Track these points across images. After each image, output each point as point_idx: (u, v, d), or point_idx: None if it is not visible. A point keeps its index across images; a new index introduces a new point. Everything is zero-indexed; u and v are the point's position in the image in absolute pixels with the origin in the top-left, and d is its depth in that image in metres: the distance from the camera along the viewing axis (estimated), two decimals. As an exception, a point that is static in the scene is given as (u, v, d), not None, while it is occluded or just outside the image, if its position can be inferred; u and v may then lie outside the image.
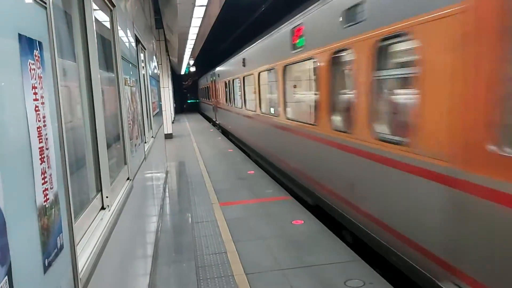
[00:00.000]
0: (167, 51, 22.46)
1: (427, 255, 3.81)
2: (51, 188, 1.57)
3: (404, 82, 4.40)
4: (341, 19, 5.33)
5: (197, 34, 16.71)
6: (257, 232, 6.23)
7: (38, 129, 1.48)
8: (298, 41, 7.23)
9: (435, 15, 3.49)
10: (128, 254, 3.50)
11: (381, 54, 4.51)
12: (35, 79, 1.49)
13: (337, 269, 4.88)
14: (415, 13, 3.77)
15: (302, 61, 7.23)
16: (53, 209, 1.57)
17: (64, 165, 1.75)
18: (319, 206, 6.84)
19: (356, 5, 4.92)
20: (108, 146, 3.01)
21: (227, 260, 5.28)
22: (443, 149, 3.49)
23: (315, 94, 6.65)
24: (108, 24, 3.58)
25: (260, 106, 11.07)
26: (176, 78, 46.19)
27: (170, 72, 25.89)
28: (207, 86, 29.17)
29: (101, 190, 2.74)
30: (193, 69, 41.40)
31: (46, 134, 1.55)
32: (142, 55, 6.57)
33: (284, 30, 8.11)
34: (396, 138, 4.31)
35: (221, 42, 34.31)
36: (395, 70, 4.63)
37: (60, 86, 1.79)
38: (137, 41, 5.69)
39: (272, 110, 10.07)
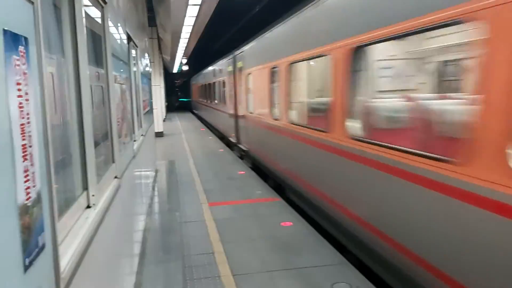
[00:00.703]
0: (159, 49, 22.37)
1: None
2: (34, 186, 1.54)
3: None
4: None
5: (191, 33, 16.66)
6: (245, 233, 6.22)
7: (22, 126, 1.45)
8: None
9: None
10: (114, 253, 3.47)
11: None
12: (19, 75, 1.46)
13: (325, 272, 4.88)
14: None
15: None
16: (35, 208, 1.55)
17: (48, 163, 1.72)
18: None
19: None
20: (96, 143, 2.98)
21: (215, 261, 5.26)
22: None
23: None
24: (99, 20, 3.54)
25: None
26: (169, 77, 46.06)
27: (162, 71, 25.78)
28: (213, 83, 20.18)
29: (87, 188, 2.71)
30: (185, 67, 41.24)
31: (29, 132, 1.52)
32: (133, 52, 6.53)
33: None
34: None
35: (215, 42, 34.27)
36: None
37: (46, 83, 1.76)
38: (129, 38, 5.65)
39: None
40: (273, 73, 8.66)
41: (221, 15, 19.47)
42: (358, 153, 4.82)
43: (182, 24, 14.01)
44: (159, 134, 18.32)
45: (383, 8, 4.32)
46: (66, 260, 1.92)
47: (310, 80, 8.03)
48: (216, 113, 19.16)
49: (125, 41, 5.16)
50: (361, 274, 4.80)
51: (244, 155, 12.69)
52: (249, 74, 11.17)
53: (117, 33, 4.44)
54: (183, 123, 28.61)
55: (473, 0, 3.04)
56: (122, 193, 4.00)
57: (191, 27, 15.01)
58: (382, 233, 4.39)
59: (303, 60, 6.94)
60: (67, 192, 2.46)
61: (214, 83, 19.71)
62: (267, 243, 5.81)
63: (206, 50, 34.96)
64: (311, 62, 7.62)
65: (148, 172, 8.24)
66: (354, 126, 5.11)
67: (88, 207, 2.70)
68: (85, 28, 2.74)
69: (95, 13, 3.43)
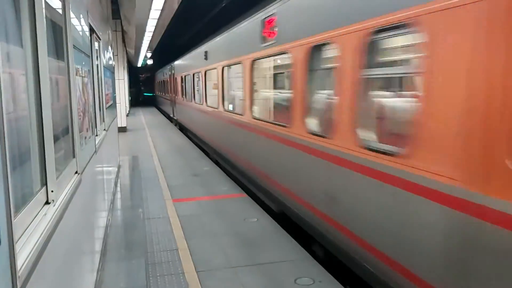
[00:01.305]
0: (124, 42, 21.91)
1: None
2: (-12, 181, 1.47)
3: None
4: None
5: (156, 26, 16.39)
6: (210, 230, 6.19)
7: (-25, 118, 1.39)
8: None
9: None
10: (74, 250, 3.37)
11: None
12: (-27, 64, 1.39)
13: (288, 267, 4.92)
14: None
15: None
16: (-10, 204, 1.48)
17: (4, 157, 1.65)
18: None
19: None
20: (56, 138, 2.89)
21: (178, 258, 5.21)
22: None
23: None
24: (60, 11, 3.43)
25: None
26: (133, 71, 45.21)
27: (126, 64, 25.28)
28: (165, 80, 27.74)
29: (46, 184, 2.62)
30: (150, 62, 40.57)
31: (-16, 124, 1.45)
32: (96, 45, 6.36)
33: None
34: None
35: (180, 37, 33.87)
36: None
37: (3, 73, 1.69)
38: (91, 30, 5.50)
39: None
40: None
41: (187, 9, 19.26)
42: None
43: (147, 17, 13.76)
44: (122, 129, 17.97)
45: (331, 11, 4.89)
46: (23, 258, 1.85)
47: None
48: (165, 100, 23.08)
49: (88, 33, 5.01)
50: (323, 268, 4.88)
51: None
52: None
53: (79, 24, 4.31)
54: (147, 118, 28.17)
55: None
56: (83, 189, 3.89)
57: (156, 20, 14.78)
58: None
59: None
60: (24, 188, 2.37)
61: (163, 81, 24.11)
62: (231, 239, 5.80)
63: (171, 44, 34.52)
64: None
65: (110, 168, 8.06)
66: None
67: (47, 203, 2.61)
68: (45, 18, 2.64)
69: (56, 2, 3.31)
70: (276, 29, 6.41)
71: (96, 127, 5.80)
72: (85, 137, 4.17)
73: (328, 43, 4.84)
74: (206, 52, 12.26)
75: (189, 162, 11.64)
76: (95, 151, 5.11)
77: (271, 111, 8.00)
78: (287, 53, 5.96)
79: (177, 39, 33.99)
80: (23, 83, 2.47)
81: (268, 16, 6.73)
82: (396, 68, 4.44)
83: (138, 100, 48.06)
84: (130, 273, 4.93)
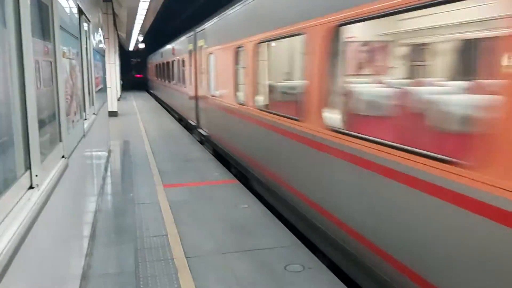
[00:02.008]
0: (115, 25, 21.61)
1: None
2: (-36, 165, 1.41)
3: None
4: None
5: (148, 9, 16.16)
6: (200, 215, 6.16)
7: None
8: None
9: None
10: (60, 235, 3.32)
11: None
12: None
13: (278, 253, 4.91)
14: None
15: None
16: (-34, 188, 1.43)
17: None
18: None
19: None
20: (42, 122, 2.82)
21: (168, 243, 5.18)
22: None
23: None
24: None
25: None
26: (125, 55, 44.70)
27: (117, 48, 24.98)
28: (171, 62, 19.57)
29: (30, 168, 2.56)
30: (142, 46, 40.13)
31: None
32: (86, 27, 6.23)
33: None
34: None
35: (173, 20, 33.49)
36: None
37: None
38: (80, 11, 5.38)
39: None
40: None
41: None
42: None
43: (139, 0, 13.54)
44: (113, 114, 17.81)
45: None
46: (3, 244, 1.80)
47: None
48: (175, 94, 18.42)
49: (76, 15, 4.90)
50: (314, 255, 4.87)
51: (204, 140, 12.12)
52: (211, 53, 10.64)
53: (67, 5, 4.20)
54: (138, 103, 27.94)
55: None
56: (70, 174, 3.83)
57: (148, 3, 14.55)
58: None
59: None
60: (6, 171, 2.31)
61: (173, 62, 18.98)
62: (222, 225, 5.78)
63: (164, 28, 34.13)
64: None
65: (100, 153, 7.99)
66: None
67: (31, 187, 2.55)
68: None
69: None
70: None
71: (85, 111, 5.71)
72: (73, 121, 4.09)
73: None
74: None
75: (180, 147, 11.57)
76: (84, 135, 5.03)
77: None
78: None
79: (170, 22, 33.60)
80: (5, 64, 2.39)
81: None
82: None
83: (130, 84, 47.53)
84: (119, 258, 4.90)
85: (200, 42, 11.94)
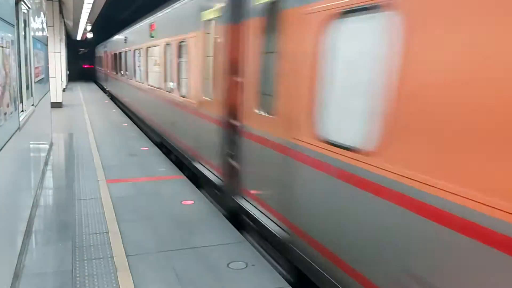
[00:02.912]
0: (61, 13, 20.71)
1: None
2: None
3: None
4: None
5: (95, -2, 15.60)
6: (144, 212, 6.03)
7: None
8: None
9: None
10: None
11: None
12: None
13: (222, 250, 4.89)
14: None
15: None
16: None
17: None
18: None
19: None
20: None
21: (108, 241, 5.03)
22: None
23: None
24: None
25: None
26: (72, 44, 42.98)
27: (64, 37, 23.99)
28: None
29: (-49, 163, 2.38)
30: (90, 35, 38.71)
31: None
32: (24, 13, 5.90)
33: None
34: None
35: (124, 10, 32.55)
36: None
37: None
38: (17, -3, 5.09)
39: None
40: None
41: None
42: None
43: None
44: (57, 105, 17.09)
45: None
46: None
47: None
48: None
49: (12, 0, 4.63)
50: (257, 252, 4.89)
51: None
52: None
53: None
54: (85, 94, 26.99)
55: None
56: (4, 168, 3.62)
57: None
58: None
59: None
60: None
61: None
62: (166, 222, 5.68)
63: (113, 18, 33.10)
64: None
65: (39, 145, 7.63)
66: None
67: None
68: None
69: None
70: None
71: (21, 102, 5.42)
72: (5, 113, 3.87)
73: None
74: None
75: (126, 141, 11.27)
76: (19, 128, 4.77)
77: None
78: None
79: (119, 12, 32.65)
80: None
81: None
82: None
83: (78, 74, 45.77)
84: (56, 256, 4.70)
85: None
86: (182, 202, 6.47)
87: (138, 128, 13.55)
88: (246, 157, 5.36)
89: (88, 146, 10.41)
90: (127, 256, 4.66)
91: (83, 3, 16.59)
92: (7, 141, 3.94)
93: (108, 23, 33.71)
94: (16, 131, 4.52)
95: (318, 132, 3.72)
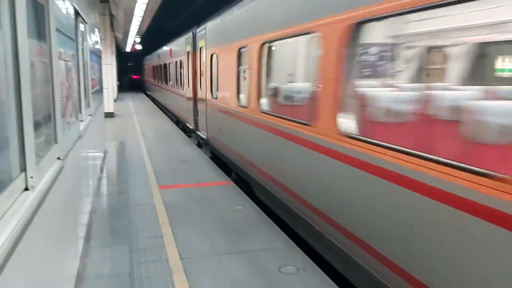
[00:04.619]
0: (112, 26, 21.59)
1: None
2: (-41, 167, 1.43)
3: None
4: None
5: (145, 10, 16.16)
6: (195, 217, 6.18)
7: None
8: None
9: None
10: (55, 237, 3.33)
11: None
12: None
13: (272, 255, 4.93)
14: None
15: None
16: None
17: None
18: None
19: None
20: (37, 123, 2.83)
21: (163, 244, 5.19)
22: None
23: None
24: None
25: None
26: (122, 56, 44.63)
27: (114, 49, 24.96)
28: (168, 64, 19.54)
29: (25, 170, 2.57)
30: (139, 47, 40.07)
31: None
32: (82, 28, 6.24)
33: None
34: None
35: (171, 21, 33.48)
36: None
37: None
38: (76, 13, 5.39)
39: None
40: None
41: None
42: None
43: (136, 1, 13.55)
44: (109, 115, 17.79)
45: None
46: (-2, 245, 1.81)
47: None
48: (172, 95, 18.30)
49: (72, 16, 4.91)
50: (308, 257, 4.90)
51: (202, 144, 11.98)
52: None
53: (63, 7, 4.21)
54: (135, 104, 27.92)
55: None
56: (66, 175, 3.84)
57: (145, 4, 14.56)
58: None
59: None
60: (1, 173, 2.32)
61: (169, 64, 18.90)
62: (216, 226, 5.80)
63: (161, 29, 34.11)
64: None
65: (96, 153, 7.99)
66: None
67: (26, 189, 2.56)
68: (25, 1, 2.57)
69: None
70: None
71: (81, 112, 5.72)
72: (69, 123, 4.11)
73: None
74: None
75: (176, 148, 11.57)
76: (80, 137, 5.04)
77: None
78: None
79: (167, 23, 33.59)
80: (1, 65, 2.40)
81: None
82: None
83: (127, 85, 47.45)
84: (114, 259, 4.90)
85: (201, 43, 11.64)
86: (231, 207, 6.57)
87: (186, 136, 13.87)
88: None
89: (139, 154, 10.78)
90: (181, 259, 4.79)
91: (133, 16, 17.24)
92: (70, 150, 4.18)
93: (156, 34, 34.78)
94: (77, 139, 4.78)
95: None
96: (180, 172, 8.84)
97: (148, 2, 14.12)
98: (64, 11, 4.21)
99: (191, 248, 5.09)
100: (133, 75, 50.94)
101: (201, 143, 12.07)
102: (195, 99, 12.66)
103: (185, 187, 7.78)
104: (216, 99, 9.88)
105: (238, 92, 8.04)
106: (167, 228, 5.72)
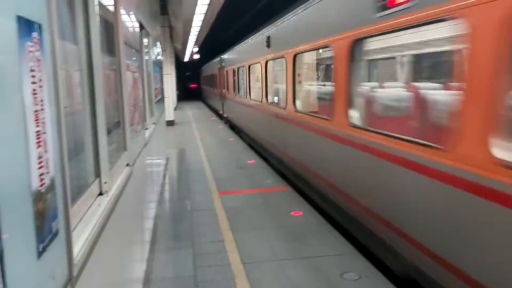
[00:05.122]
0: (171, 38, 22.34)
1: None
2: (48, 173, 1.55)
3: None
4: None
5: (203, 21, 16.60)
6: (255, 222, 6.24)
7: (36, 113, 1.46)
8: None
9: None
10: (126, 240, 3.50)
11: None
12: (33, 62, 1.46)
13: (334, 261, 4.88)
14: None
15: None
16: (49, 194, 1.56)
17: (61, 149, 1.73)
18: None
19: None
20: (108, 131, 3.00)
21: (224, 249, 5.29)
22: None
23: None
24: (111, 8, 3.54)
25: None
26: (180, 65, 46.01)
27: (173, 59, 25.78)
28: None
29: (100, 176, 2.73)
30: (196, 56, 41.12)
31: (43, 118, 1.53)
32: (145, 40, 6.52)
33: None
34: None
35: (227, 30, 34.09)
36: None
37: (60, 70, 1.76)
38: (141, 26, 5.65)
39: None
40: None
41: (233, 3, 19.32)
42: None
43: (194, 12, 13.95)
44: (170, 123, 18.37)
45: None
46: (78, 247, 1.94)
47: None
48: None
49: (137, 29, 5.16)
50: (370, 263, 4.80)
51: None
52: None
53: (129, 20, 4.44)
54: (193, 112, 28.65)
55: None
56: (134, 181, 4.02)
57: (203, 15, 14.95)
58: None
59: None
60: (79, 179, 2.48)
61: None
62: (276, 232, 5.82)
63: (217, 38, 34.82)
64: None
65: (159, 161, 8.28)
66: None
67: (100, 194, 2.72)
68: (98, 16, 2.74)
69: (107, 1, 3.42)
70: None
71: (145, 120, 5.96)
72: (136, 131, 4.30)
73: None
74: None
75: (234, 155, 11.75)
76: (145, 144, 5.26)
77: None
78: None
79: (223, 32, 34.23)
80: (78, 80, 2.58)
81: None
82: None
83: (185, 94, 48.86)
84: (178, 263, 5.05)
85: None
86: (291, 213, 6.58)
87: (244, 143, 14.05)
88: None
89: (199, 160, 11.05)
90: (243, 263, 4.86)
91: (191, 27, 17.75)
92: (137, 156, 4.37)
93: (212, 43, 35.58)
94: (143, 147, 4.99)
95: None
96: (238, 178, 8.97)
97: (206, 13, 14.49)
98: (130, 25, 4.43)
99: (252, 253, 5.15)
100: (190, 84, 52.39)
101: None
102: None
103: (245, 192, 7.88)
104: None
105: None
106: (228, 233, 5.82)
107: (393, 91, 7.10)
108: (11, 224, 1.22)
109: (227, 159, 11.19)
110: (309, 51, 7.15)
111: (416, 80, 7.68)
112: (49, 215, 1.56)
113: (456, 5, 3.24)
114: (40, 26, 1.55)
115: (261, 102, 10.79)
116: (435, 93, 5.55)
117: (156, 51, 9.23)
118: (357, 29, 4.90)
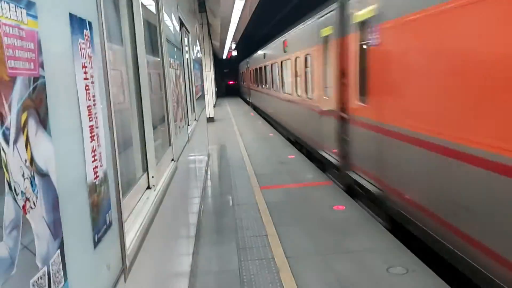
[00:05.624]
0: (209, 35, 22.56)
1: None
2: (101, 166, 1.60)
3: None
4: None
5: (240, 17, 16.64)
6: (297, 216, 6.22)
7: (89, 108, 1.51)
8: None
9: None
10: (172, 234, 3.58)
11: None
12: (85, 58, 1.51)
13: (379, 255, 4.80)
14: None
15: None
16: (103, 187, 1.61)
17: (113, 144, 1.78)
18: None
19: None
20: (154, 127, 3.07)
21: (268, 243, 5.31)
22: None
23: None
24: (153, 8, 3.61)
25: None
26: (218, 62, 46.43)
27: (212, 56, 26.03)
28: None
29: (147, 170, 2.80)
30: (234, 53, 41.35)
31: (96, 113, 1.58)
32: (185, 38, 6.62)
33: None
34: None
35: (264, 26, 34.11)
36: None
37: (109, 67, 1.81)
38: (181, 24, 5.73)
39: None
40: None
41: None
42: None
43: (232, 9, 14.01)
44: (210, 119, 18.59)
45: None
46: (130, 238, 1.99)
47: None
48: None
49: (178, 27, 5.23)
50: (417, 258, 4.69)
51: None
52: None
53: (170, 19, 4.51)
54: (232, 108, 28.86)
55: None
56: (178, 176, 4.10)
57: (241, 11, 14.99)
58: None
59: None
60: (129, 173, 2.55)
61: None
62: (319, 226, 5.79)
63: (254, 35, 34.90)
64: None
65: (201, 156, 8.40)
66: None
67: (148, 188, 2.79)
68: (142, 16, 2.80)
69: (150, 2, 3.49)
70: None
71: (187, 117, 6.06)
72: (179, 127, 4.38)
73: None
74: None
75: (274, 150, 11.76)
76: (188, 140, 5.34)
77: None
78: None
79: (260, 29, 34.28)
80: (125, 78, 2.65)
81: None
82: None
83: (223, 91, 49.36)
84: (223, 257, 5.12)
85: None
86: (333, 208, 6.52)
87: (283, 138, 14.03)
88: None
89: (240, 156, 11.13)
90: (286, 257, 4.86)
91: (229, 24, 17.84)
92: (181, 152, 4.45)
93: (250, 40, 35.69)
94: (186, 142, 5.08)
95: None
96: (279, 173, 8.97)
97: (243, 9, 14.52)
98: (171, 23, 4.50)
99: (295, 247, 5.15)
100: (229, 80, 52.83)
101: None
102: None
103: (286, 187, 7.88)
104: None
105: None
106: (271, 227, 5.84)
107: None
108: (70, 215, 1.27)
109: (267, 154, 11.21)
110: None
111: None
112: (103, 207, 1.61)
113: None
114: (90, 24, 1.60)
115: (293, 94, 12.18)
116: None
117: (196, 49, 9.35)
118: None
